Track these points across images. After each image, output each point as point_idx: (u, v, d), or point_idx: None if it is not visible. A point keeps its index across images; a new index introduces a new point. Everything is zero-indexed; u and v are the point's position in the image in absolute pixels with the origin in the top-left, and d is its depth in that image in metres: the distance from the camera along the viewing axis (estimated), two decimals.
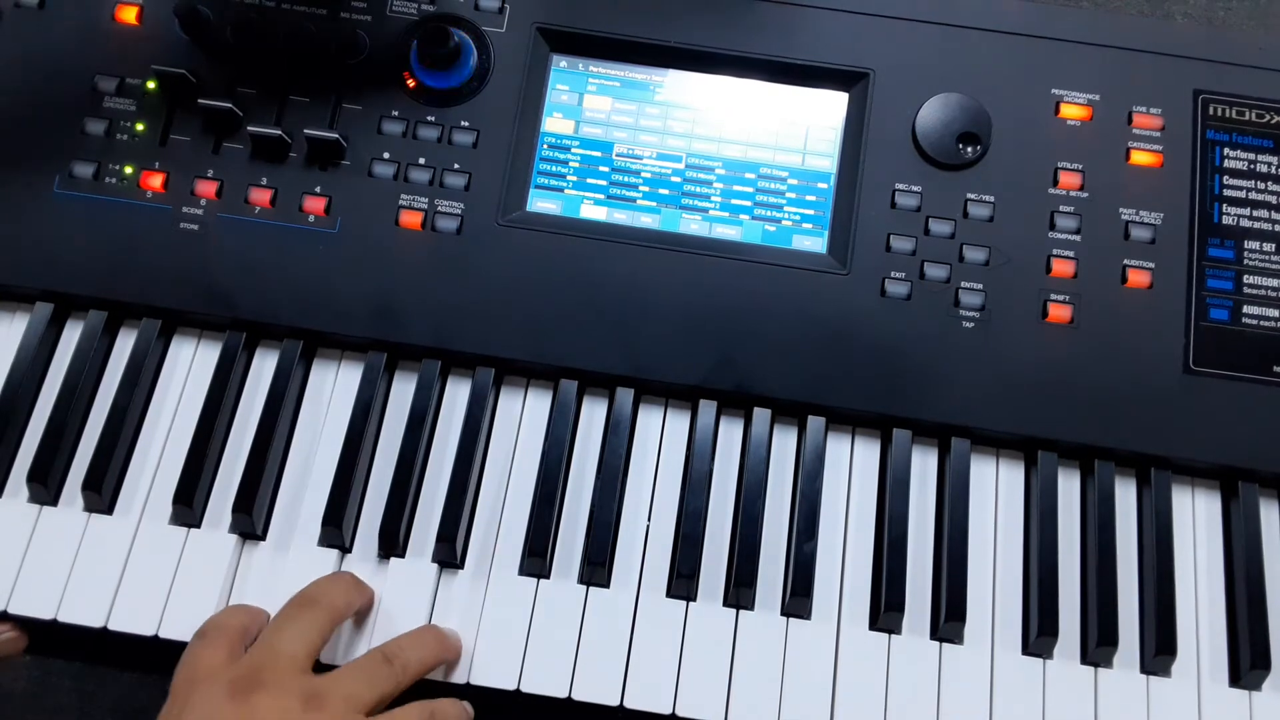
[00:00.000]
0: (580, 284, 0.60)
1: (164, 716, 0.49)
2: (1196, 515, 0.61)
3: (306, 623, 0.51)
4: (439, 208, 0.61)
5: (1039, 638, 0.56)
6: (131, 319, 0.62)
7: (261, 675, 0.48)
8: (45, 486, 0.58)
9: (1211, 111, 0.63)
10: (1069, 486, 0.61)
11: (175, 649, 0.55)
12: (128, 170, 0.62)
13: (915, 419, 0.60)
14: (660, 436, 0.61)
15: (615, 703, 0.55)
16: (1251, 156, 0.63)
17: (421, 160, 0.62)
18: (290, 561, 0.57)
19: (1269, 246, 0.62)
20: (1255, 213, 0.62)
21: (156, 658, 0.56)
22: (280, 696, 0.48)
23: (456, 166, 0.62)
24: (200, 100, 0.61)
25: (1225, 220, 0.62)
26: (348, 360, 0.62)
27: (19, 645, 0.56)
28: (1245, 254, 0.61)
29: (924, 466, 0.61)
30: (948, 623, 0.56)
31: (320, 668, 0.52)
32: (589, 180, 0.63)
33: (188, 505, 0.57)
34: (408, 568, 0.57)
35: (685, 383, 0.60)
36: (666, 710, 0.55)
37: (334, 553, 0.58)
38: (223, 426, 0.60)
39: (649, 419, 0.61)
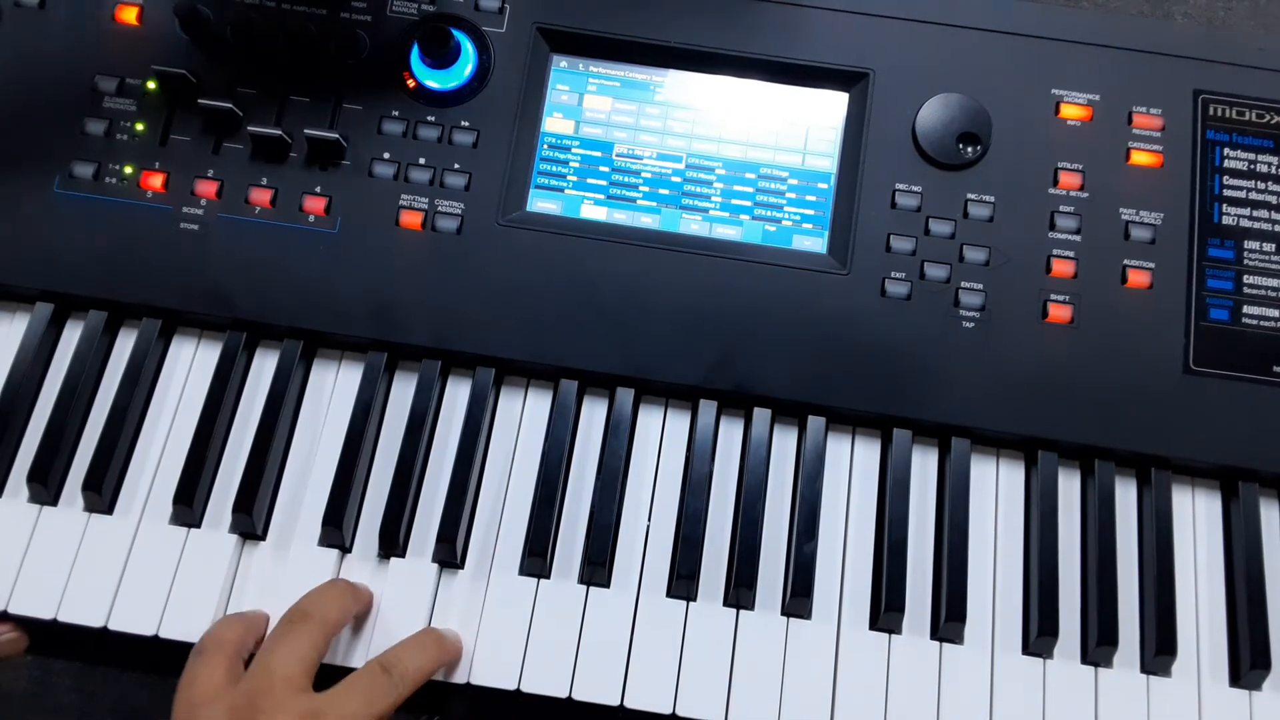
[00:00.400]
0: (580, 284, 0.60)
1: None
2: (1197, 515, 0.61)
3: (300, 639, 0.51)
4: (439, 208, 0.61)
5: (1039, 637, 0.56)
6: (131, 319, 0.62)
7: (259, 701, 0.48)
8: (45, 486, 0.58)
9: (1211, 112, 0.63)
10: (1069, 486, 0.61)
11: (175, 649, 0.55)
12: (128, 170, 0.62)
13: (915, 419, 0.60)
14: (660, 437, 0.61)
15: (615, 703, 0.55)
16: (1251, 156, 0.63)
17: (421, 160, 0.62)
18: (290, 561, 0.57)
19: (1269, 246, 0.62)
20: (1255, 213, 0.62)
21: (157, 658, 0.57)
22: None
23: (456, 166, 0.62)
24: (200, 100, 0.61)
25: (1225, 220, 0.62)
26: (348, 360, 0.62)
27: (20, 646, 0.56)
28: (1245, 254, 0.61)
29: (924, 466, 0.61)
30: (948, 623, 0.56)
31: (324, 671, 0.52)
32: (589, 180, 0.63)
33: (188, 505, 0.57)
34: (408, 568, 0.57)
35: (685, 383, 0.60)
36: (666, 710, 0.55)
37: (334, 553, 0.58)
38: (223, 427, 0.60)
39: (649, 419, 0.61)
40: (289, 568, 0.57)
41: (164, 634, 0.55)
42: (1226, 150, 0.63)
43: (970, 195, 0.62)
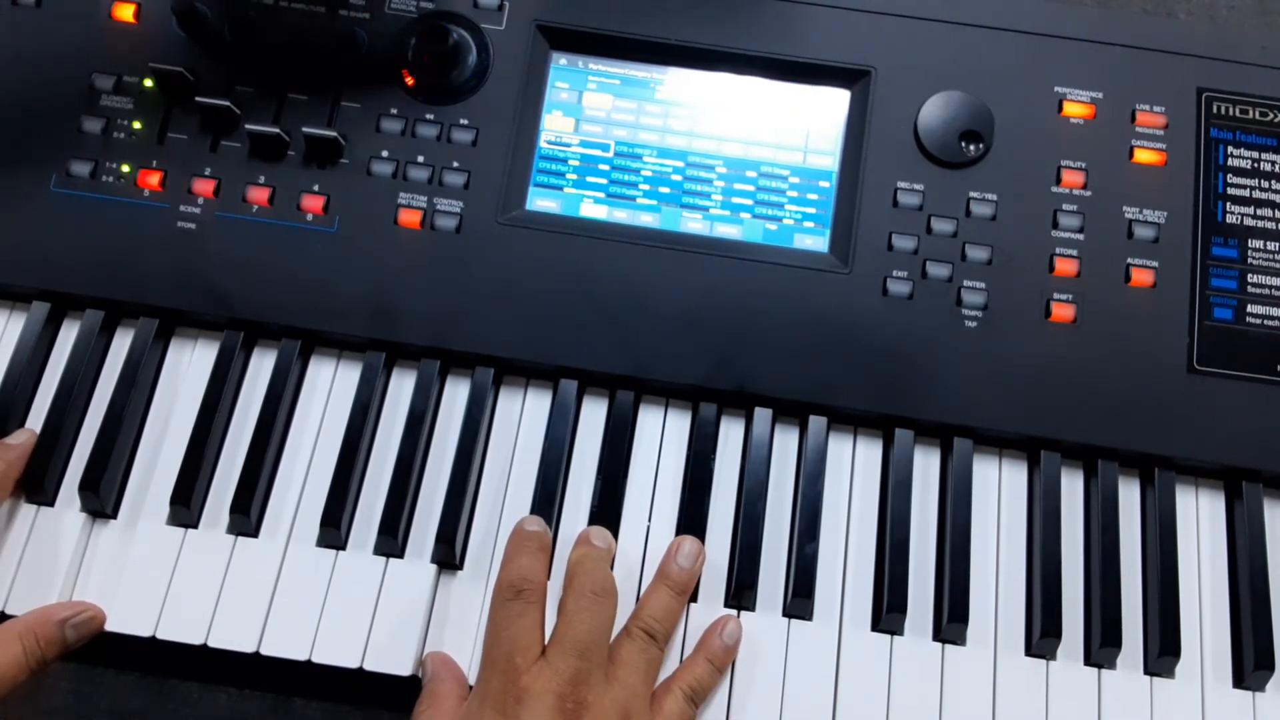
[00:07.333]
0: (580, 283, 0.60)
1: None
2: (1200, 515, 0.60)
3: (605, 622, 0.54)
4: (438, 206, 0.61)
5: (1042, 639, 0.56)
6: (129, 318, 0.62)
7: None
8: (42, 488, 0.57)
9: (1215, 109, 0.63)
10: (1072, 486, 0.60)
11: (172, 650, 0.55)
12: (125, 169, 0.61)
13: (917, 419, 0.59)
14: (660, 437, 0.61)
15: None
16: (1255, 155, 0.62)
17: (420, 159, 0.62)
18: (287, 562, 0.57)
19: (1273, 245, 0.61)
20: (1259, 211, 0.62)
21: (153, 659, 0.56)
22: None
23: (455, 165, 0.62)
24: (198, 98, 0.61)
25: (1229, 219, 0.61)
26: (346, 360, 0.62)
27: (99, 621, 0.55)
28: (1249, 253, 0.61)
29: (926, 466, 0.61)
30: (950, 624, 0.56)
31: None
32: (589, 179, 0.63)
33: (185, 505, 0.57)
34: (406, 569, 0.57)
35: (686, 383, 0.60)
36: None
37: (331, 553, 0.57)
38: (220, 426, 0.60)
39: (649, 419, 0.61)
40: (286, 569, 0.57)
41: (161, 635, 0.55)
42: (1230, 148, 0.62)
43: (973, 193, 0.61)
